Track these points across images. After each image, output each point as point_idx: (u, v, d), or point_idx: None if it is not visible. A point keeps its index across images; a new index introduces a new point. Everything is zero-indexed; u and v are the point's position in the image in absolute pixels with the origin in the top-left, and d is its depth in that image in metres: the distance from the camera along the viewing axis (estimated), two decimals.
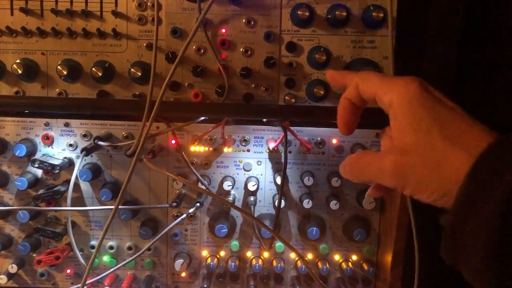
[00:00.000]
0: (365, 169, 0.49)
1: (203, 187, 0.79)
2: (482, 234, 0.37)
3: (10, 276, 0.83)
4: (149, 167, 0.73)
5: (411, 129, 0.44)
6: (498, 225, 0.36)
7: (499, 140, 0.40)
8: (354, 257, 0.84)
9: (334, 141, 0.80)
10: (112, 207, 0.72)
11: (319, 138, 0.80)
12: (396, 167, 0.44)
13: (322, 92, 0.74)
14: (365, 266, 0.83)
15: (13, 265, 0.82)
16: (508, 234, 0.36)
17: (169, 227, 0.77)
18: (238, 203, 0.83)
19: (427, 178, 0.42)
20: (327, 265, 0.83)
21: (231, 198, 0.81)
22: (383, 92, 0.48)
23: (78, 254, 0.78)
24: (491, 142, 0.39)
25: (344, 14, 0.73)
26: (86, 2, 0.75)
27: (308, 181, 0.79)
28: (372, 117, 0.73)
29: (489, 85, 0.86)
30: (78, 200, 0.82)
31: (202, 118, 0.74)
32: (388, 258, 0.79)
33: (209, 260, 0.83)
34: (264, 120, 0.75)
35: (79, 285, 0.74)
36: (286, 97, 0.76)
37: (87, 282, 0.77)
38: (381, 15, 0.72)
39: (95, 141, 0.77)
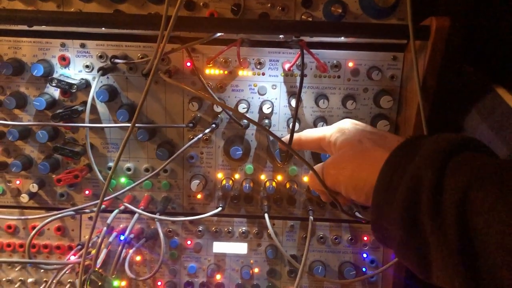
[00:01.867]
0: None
1: (219, 108, 0.80)
2: (397, 206, 0.45)
3: (31, 195, 0.86)
4: (168, 86, 0.74)
5: (345, 137, 0.61)
6: (408, 197, 0.43)
7: (409, 139, 0.50)
8: None
9: (350, 64, 0.80)
10: (129, 125, 0.73)
11: (335, 61, 0.80)
12: (334, 160, 0.61)
13: (340, 11, 0.73)
14: None
15: (34, 184, 0.85)
16: (414, 204, 0.43)
17: (185, 146, 0.79)
18: (252, 128, 0.84)
19: (357, 165, 0.54)
20: None
21: (245, 122, 0.82)
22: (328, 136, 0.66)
23: (97, 170, 0.80)
24: (402, 142, 0.49)
25: None
26: None
27: (323, 104, 0.79)
28: (389, 34, 0.72)
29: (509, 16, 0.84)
30: (95, 121, 0.84)
31: (218, 34, 0.73)
32: None
33: (224, 182, 0.85)
34: (281, 36, 0.75)
35: (98, 201, 0.76)
36: (303, 17, 0.75)
37: (106, 198, 0.79)
38: None
39: (112, 60, 0.78)
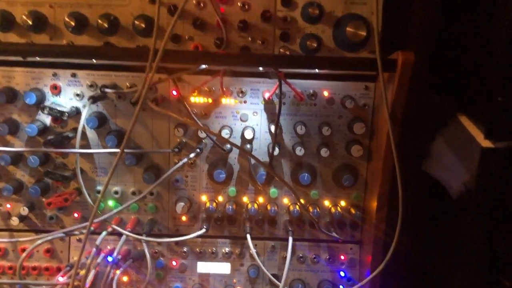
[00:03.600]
0: None
1: (203, 134, 0.84)
2: None
3: (21, 218, 0.89)
4: (155, 113, 0.79)
5: None
6: None
7: None
8: (343, 203, 0.91)
9: (326, 93, 0.86)
10: (118, 150, 0.77)
11: (311, 90, 0.85)
12: None
13: (315, 45, 0.79)
14: (353, 211, 0.89)
15: (24, 207, 0.88)
16: None
17: (171, 170, 0.83)
18: (235, 152, 0.89)
19: None
20: (317, 209, 0.89)
21: (228, 146, 0.87)
22: None
23: (86, 194, 0.83)
24: None
25: None
26: None
27: (301, 130, 0.84)
28: (359, 67, 0.78)
29: (469, 50, 0.90)
30: (85, 147, 0.88)
31: (203, 66, 0.78)
32: (374, 202, 0.85)
33: (208, 204, 0.89)
34: (260, 68, 0.80)
35: (87, 223, 0.80)
36: (281, 50, 0.81)
37: (95, 220, 0.83)
38: None
39: (102, 89, 0.82)
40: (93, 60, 0.78)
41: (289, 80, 0.83)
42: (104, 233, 0.85)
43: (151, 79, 0.73)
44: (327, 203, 0.91)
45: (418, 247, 0.85)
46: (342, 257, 0.92)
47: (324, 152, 0.84)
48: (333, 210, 0.89)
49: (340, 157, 0.88)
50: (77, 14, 0.80)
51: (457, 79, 0.83)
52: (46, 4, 0.81)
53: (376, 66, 0.73)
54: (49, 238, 0.83)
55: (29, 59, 0.81)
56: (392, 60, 0.75)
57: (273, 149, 0.79)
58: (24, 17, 0.79)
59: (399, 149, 0.76)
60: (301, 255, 0.92)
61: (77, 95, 0.85)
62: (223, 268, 0.93)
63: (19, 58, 0.81)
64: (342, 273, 0.92)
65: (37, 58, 0.81)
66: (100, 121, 0.84)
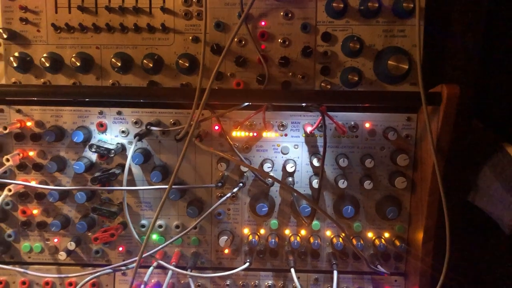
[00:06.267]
0: None
1: (245, 168, 0.85)
2: None
3: (69, 252, 0.91)
4: (198, 148, 0.81)
5: None
6: None
7: None
8: (387, 234, 0.90)
9: (367, 125, 0.86)
10: (166, 187, 0.78)
11: (352, 123, 0.86)
12: None
13: (356, 79, 0.79)
14: (397, 243, 0.88)
15: (72, 242, 0.90)
16: None
17: (215, 205, 0.84)
18: (277, 185, 0.89)
19: None
20: (361, 242, 0.88)
21: (270, 180, 0.87)
22: None
23: (133, 230, 0.85)
24: None
25: (376, 5, 0.78)
26: (137, 0, 0.82)
27: (343, 162, 0.84)
28: (402, 101, 0.78)
29: None
30: (130, 182, 0.89)
31: (245, 104, 0.79)
32: (419, 234, 0.84)
33: (250, 237, 0.90)
34: (303, 104, 0.81)
35: (136, 258, 0.81)
36: (322, 84, 0.82)
37: (142, 256, 0.84)
38: (411, 5, 0.77)
39: (148, 127, 0.84)
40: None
41: (330, 113, 0.83)
42: (151, 268, 0.86)
43: (198, 117, 0.74)
44: (370, 235, 0.90)
45: (466, 282, 0.83)
46: None
47: (367, 185, 0.84)
48: (377, 242, 0.88)
49: (383, 189, 0.88)
50: (122, 54, 0.83)
51: (502, 109, 0.82)
52: (93, 46, 0.84)
53: (420, 100, 0.73)
54: (97, 274, 0.85)
55: None
56: (436, 93, 0.75)
57: (320, 185, 0.79)
58: (73, 59, 0.82)
59: (444, 181, 0.75)
60: (345, 287, 0.91)
61: (123, 132, 0.88)
62: None
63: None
64: None
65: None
66: (145, 157, 0.86)
